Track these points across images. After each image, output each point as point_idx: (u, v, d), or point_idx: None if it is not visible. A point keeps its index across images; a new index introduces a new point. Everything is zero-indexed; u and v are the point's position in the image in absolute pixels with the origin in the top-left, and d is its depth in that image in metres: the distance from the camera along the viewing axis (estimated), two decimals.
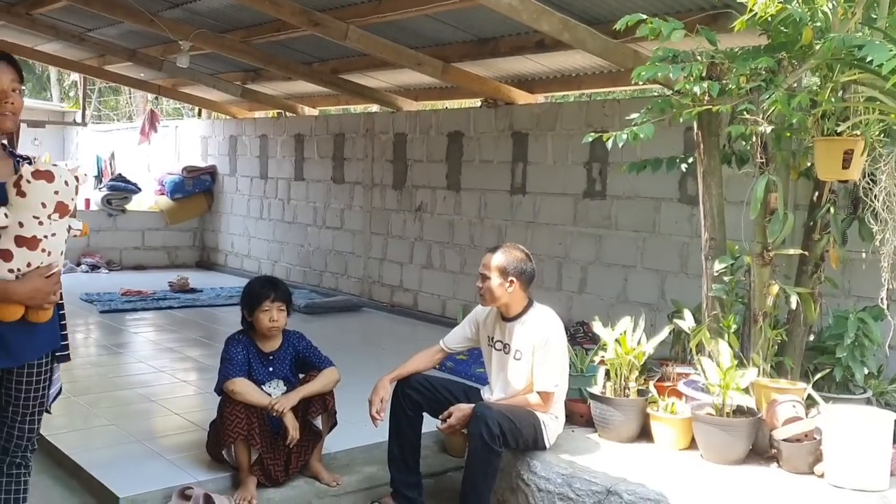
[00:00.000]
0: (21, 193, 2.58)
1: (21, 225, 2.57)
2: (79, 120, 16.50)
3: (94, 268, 11.38)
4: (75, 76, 18.32)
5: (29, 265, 2.61)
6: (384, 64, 8.19)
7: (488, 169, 8.06)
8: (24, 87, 2.76)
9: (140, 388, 5.74)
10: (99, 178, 13.84)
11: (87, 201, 12.44)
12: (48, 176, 2.62)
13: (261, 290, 4.10)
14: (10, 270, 2.56)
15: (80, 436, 4.64)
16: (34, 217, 2.60)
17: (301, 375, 4.21)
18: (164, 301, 9.17)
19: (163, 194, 12.39)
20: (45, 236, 2.63)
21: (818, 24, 3.39)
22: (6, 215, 2.56)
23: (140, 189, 12.47)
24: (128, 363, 6.64)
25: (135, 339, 7.65)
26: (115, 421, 4.89)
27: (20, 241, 2.57)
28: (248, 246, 11.76)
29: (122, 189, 12.19)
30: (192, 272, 11.38)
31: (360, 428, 4.30)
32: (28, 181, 2.59)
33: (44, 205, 2.61)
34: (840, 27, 3.31)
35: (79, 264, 11.38)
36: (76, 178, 2.72)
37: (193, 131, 13.16)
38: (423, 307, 8.77)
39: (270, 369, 4.13)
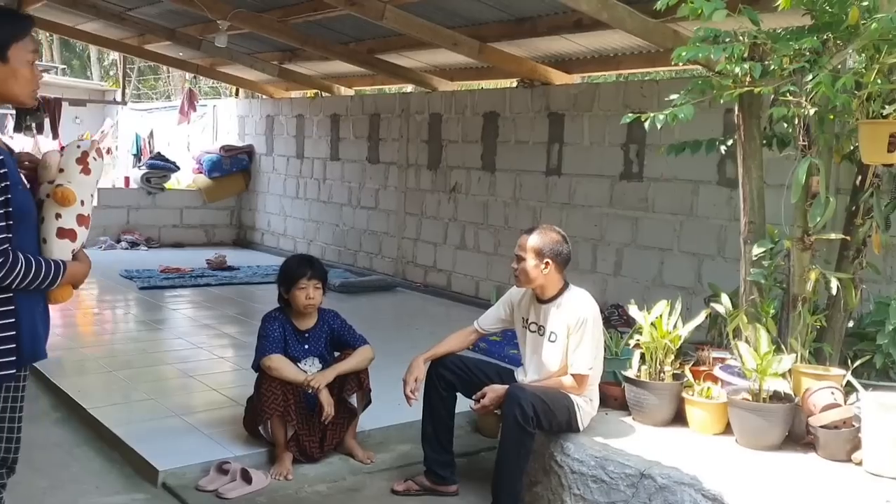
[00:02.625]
0: (87, 171, 2.51)
1: (82, 203, 2.51)
2: (118, 99, 16.71)
3: (133, 245, 11.56)
4: (115, 55, 18.55)
5: (83, 244, 2.57)
6: (420, 44, 8.17)
7: (524, 150, 8.02)
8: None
9: (178, 363, 5.84)
10: (138, 156, 14.03)
11: (127, 179, 12.64)
12: (102, 153, 2.59)
13: (298, 269, 4.15)
14: (73, 251, 2.51)
15: (120, 409, 4.74)
16: (91, 195, 2.56)
17: (336, 353, 4.25)
18: (201, 278, 9.31)
19: (201, 173, 12.53)
20: (90, 214, 2.60)
21: (865, 3, 3.30)
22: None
23: (179, 168, 12.63)
24: (166, 339, 6.76)
25: (173, 315, 7.78)
26: (155, 395, 4.98)
27: (81, 219, 2.51)
28: (284, 225, 11.85)
29: (161, 168, 12.35)
30: (229, 250, 11.52)
31: (394, 407, 4.34)
32: (94, 158, 2.53)
33: (97, 182, 2.60)
34: (888, 7, 3.23)
35: (119, 241, 11.57)
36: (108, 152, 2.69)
37: (231, 111, 13.27)
38: (456, 288, 8.78)
39: (306, 346, 4.18)
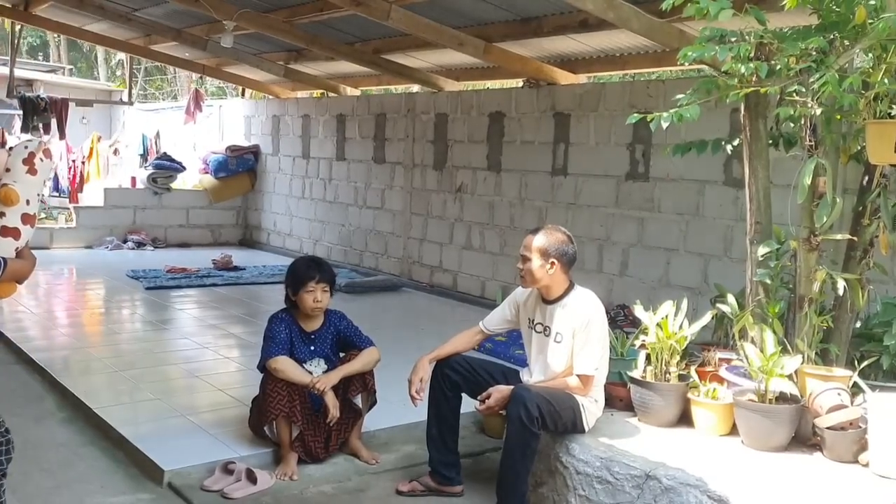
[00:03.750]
0: (33, 171, 2.58)
1: (28, 202, 2.57)
2: (125, 99, 16.74)
3: (139, 245, 11.59)
4: (122, 56, 18.59)
5: (27, 243, 2.62)
6: (426, 44, 8.17)
7: (529, 150, 8.02)
8: None
9: (184, 363, 5.85)
10: (144, 156, 14.07)
11: (133, 179, 12.66)
12: (50, 154, 2.65)
13: (306, 271, 4.15)
14: (16, 249, 2.57)
15: (126, 409, 4.75)
16: (38, 195, 2.62)
17: (342, 354, 4.25)
18: (207, 278, 9.32)
19: (207, 173, 12.55)
20: (36, 213, 2.65)
21: (872, 2, 3.29)
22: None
23: (185, 168, 12.66)
24: (172, 339, 6.77)
25: (179, 315, 7.79)
26: (160, 395, 4.99)
27: (26, 218, 2.57)
28: (290, 225, 11.87)
29: (167, 168, 12.38)
30: (235, 250, 11.54)
31: (399, 407, 4.34)
32: (41, 159, 2.60)
33: (45, 182, 2.64)
34: (895, 6, 3.21)
35: (125, 241, 11.60)
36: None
37: (237, 111, 13.29)
38: (462, 288, 8.78)
39: (312, 348, 4.18)
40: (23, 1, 10.38)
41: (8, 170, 2.55)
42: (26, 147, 2.61)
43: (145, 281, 8.88)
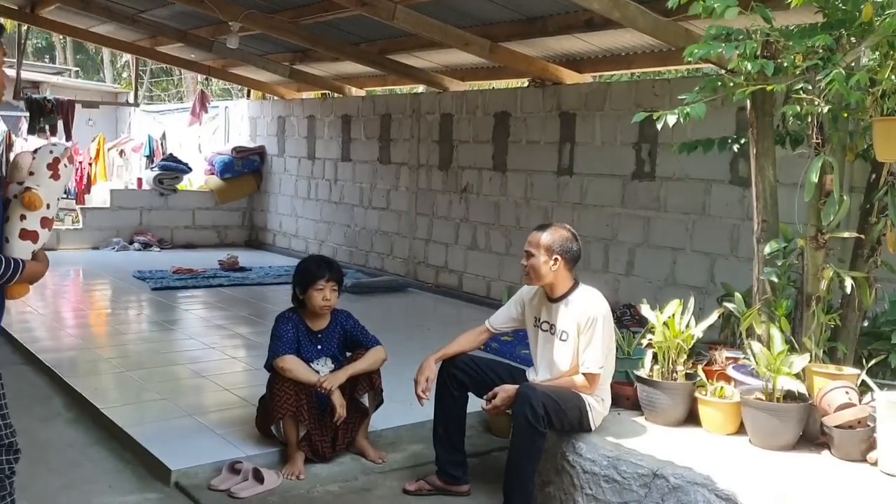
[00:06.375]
0: (56, 176, 2.58)
1: (48, 206, 2.57)
2: (131, 101, 16.79)
3: (146, 246, 11.61)
4: (128, 57, 18.63)
5: (43, 246, 2.63)
6: (431, 44, 8.17)
7: (535, 149, 8.01)
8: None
9: (191, 363, 5.86)
10: (150, 158, 14.11)
11: (139, 181, 12.70)
12: (73, 159, 2.65)
13: (316, 270, 4.15)
14: (33, 252, 2.58)
15: (133, 409, 4.76)
16: (58, 199, 2.63)
17: (348, 354, 4.25)
18: (214, 279, 9.34)
19: (213, 174, 12.58)
20: (54, 217, 2.66)
21: None
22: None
23: (191, 169, 12.69)
24: (179, 339, 6.78)
25: (186, 315, 7.80)
26: (167, 395, 5.00)
27: (44, 222, 2.58)
28: (295, 226, 11.88)
29: (173, 169, 12.40)
30: (241, 251, 11.56)
31: (405, 407, 4.34)
32: (65, 165, 2.60)
33: (64, 187, 2.65)
34: None
35: (131, 242, 11.63)
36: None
37: (243, 112, 13.31)
38: (468, 288, 8.78)
39: (319, 347, 4.19)
40: (29, 3, 10.42)
41: (31, 173, 2.55)
42: (51, 152, 2.61)
43: (152, 282, 8.90)
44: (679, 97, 3.72)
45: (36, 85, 15.76)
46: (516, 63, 7.86)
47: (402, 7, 7.07)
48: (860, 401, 3.40)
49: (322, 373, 4.07)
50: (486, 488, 3.87)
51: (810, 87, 3.44)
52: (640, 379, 3.79)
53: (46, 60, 25.03)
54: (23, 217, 2.52)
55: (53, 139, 12.83)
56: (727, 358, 3.96)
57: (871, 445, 3.25)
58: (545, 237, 3.63)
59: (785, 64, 3.51)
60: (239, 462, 3.92)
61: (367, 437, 4.27)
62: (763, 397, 3.48)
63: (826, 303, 3.66)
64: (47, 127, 13.09)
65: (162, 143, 14.56)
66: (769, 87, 3.53)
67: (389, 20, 7.14)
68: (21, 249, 2.53)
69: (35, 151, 2.65)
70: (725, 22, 3.44)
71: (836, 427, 3.31)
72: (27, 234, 2.53)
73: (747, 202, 5.04)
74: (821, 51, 3.43)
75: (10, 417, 2.61)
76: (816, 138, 3.55)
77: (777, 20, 3.61)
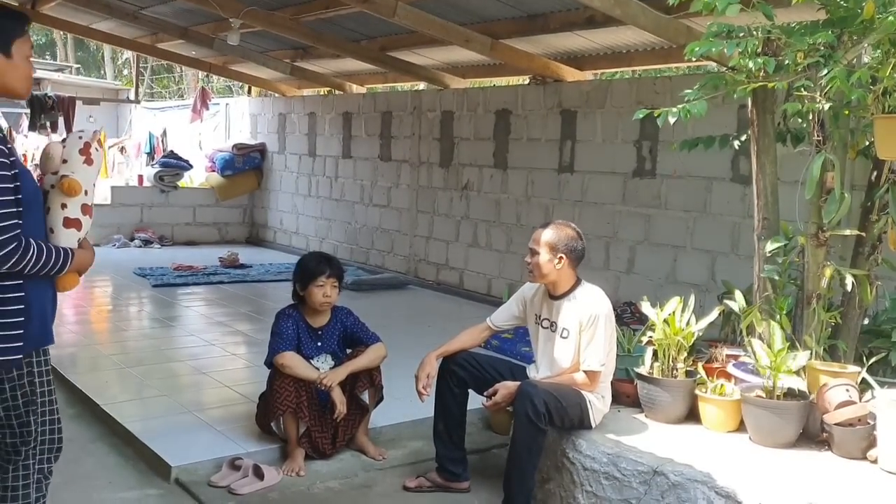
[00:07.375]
0: (89, 161, 2.57)
1: (86, 193, 2.56)
2: (132, 97, 16.79)
3: (147, 242, 11.62)
4: (129, 54, 18.64)
5: (87, 233, 2.62)
6: (432, 41, 8.16)
7: (536, 147, 8.01)
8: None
9: (191, 360, 5.86)
10: (151, 155, 14.11)
11: (140, 178, 12.69)
12: (102, 143, 2.64)
13: (317, 266, 4.15)
14: (78, 240, 2.56)
15: (134, 406, 4.76)
16: (93, 185, 2.61)
17: (348, 350, 4.25)
18: (214, 276, 9.34)
19: (213, 171, 12.57)
20: (93, 203, 2.64)
21: None
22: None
23: (191, 166, 12.68)
24: (179, 336, 6.79)
25: (186, 312, 7.81)
26: (168, 392, 5.00)
27: (85, 209, 2.56)
28: (296, 223, 11.88)
29: (174, 166, 12.40)
30: (241, 248, 11.56)
31: (406, 403, 4.34)
32: (96, 149, 2.59)
33: (98, 172, 2.64)
34: None
35: (132, 239, 11.63)
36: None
37: (243, 109, 13.30)
38: (468, 286, 8.78)
39: (319, 344, 4.19)
40: (30, 0, 10.41)
41: (65, 161, 2.54)
42: (80, 137, 2.60)
43: (152, 278, 8.90)
44: (680, 94, 3.72)
45: (37, 81, 15.77)
46: (517, 60, 7.85)
47: (404, 4, 7.06)
48: (860, 398, 3.40)
49: (322, 369, 4.07)
50: (487, 485, 3.87)
51: (811, 85, 3.43)
52: (640, 376, 3.79)
53: (47, 57, 25.02)
54: (63, 206, 2.51)
55: (54, 136, 12.82)
56: (727, 355, 3.96)
57: (872, 443, 3.26)
58: (550, 235, 3.63)
59: (786, 61, 3.51)
60: (239, 458, 3.92)
61: (368, 434, 4.27)
62: (763, 395, 3.48)
63: (827, 300, 3.66)
64: (48, 124, 13.08)
65: (163, 140, 14.56)
66: (770, 85, 3.53)
67: (390, 17, 7.14)
68: (67, 238, 2.51)
69: (64, 140, 2.64)
70: (726, 19, 3.43)
71: (837, 425, 3.31)
72: (70, 223, 2.52)
73: (748, 200, 5.03)
74: (822, 48, 3.43)
75: (58, 413, 2.61)
76: (817, 136, 3.55)
77: (778, 17, 3.61)
